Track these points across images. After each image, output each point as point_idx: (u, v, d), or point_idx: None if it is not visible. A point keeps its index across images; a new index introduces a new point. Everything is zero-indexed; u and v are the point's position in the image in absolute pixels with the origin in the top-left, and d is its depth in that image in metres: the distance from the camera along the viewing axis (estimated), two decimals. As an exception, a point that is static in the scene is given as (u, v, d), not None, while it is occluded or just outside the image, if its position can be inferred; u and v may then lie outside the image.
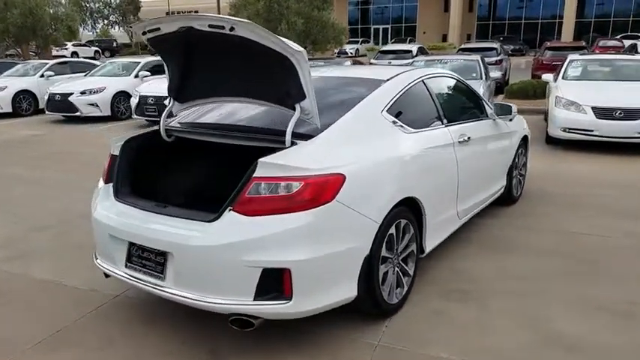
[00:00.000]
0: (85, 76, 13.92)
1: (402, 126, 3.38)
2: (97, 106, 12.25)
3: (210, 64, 3.11)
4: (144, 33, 3.05)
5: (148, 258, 2.82)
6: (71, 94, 12.25)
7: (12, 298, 3.63)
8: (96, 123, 12.08)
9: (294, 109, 2.92)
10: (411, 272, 3.37)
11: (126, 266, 2.92)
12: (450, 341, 2.98)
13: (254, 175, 2.60)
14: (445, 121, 3.89)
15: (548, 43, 18.68)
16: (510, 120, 4.91)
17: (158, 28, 2.95)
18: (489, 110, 4.72)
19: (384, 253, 3.01)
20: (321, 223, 2.58)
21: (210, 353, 2.91)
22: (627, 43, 25.15)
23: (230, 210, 2.60)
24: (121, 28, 54.77)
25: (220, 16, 2.71)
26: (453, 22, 39.03)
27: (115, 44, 50.12)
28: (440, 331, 3.08)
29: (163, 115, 3.46)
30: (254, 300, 2.55)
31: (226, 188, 3.70)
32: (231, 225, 2.56)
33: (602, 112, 7.69)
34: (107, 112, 12.30)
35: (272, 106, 3.07)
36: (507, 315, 3.26)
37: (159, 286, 2.77)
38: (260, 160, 2.63)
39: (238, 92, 3.17)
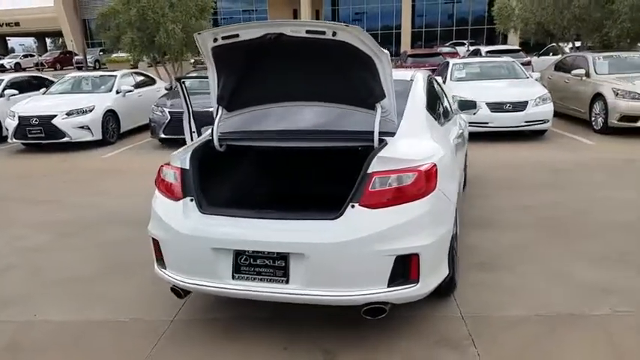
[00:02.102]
0: None
1: (435, 120, 3.75)
2: (-41, 131, 10.61)
3: (280, 69, 3.14)
4: (215, 40, 2.99)
5: (263, 265, 2.78)
6: None
7: (54, 347, 3.20)
8: (-42, 151, 10.44)
9: (372, 109, 3.11)
10: (457, 251, 3.75)
11: (233, 277, 2.84)
12: (514, 303, 3.41)
13: (374, 170, 2.75)
14: (447, 115, 4.36)
15: (409, 51, 20.68)
16: (474, 114, 5.57)
17: (236, 35, 2.92)
18: (454, 106, 5.32)
19: None
20: (434, 209, 2.83)
21: (324, 352, 2.96)
22: (459, 49, 28.71)
23: (353, 205, 2.71)
24: None
25: (318, 21, 2.80)
26: (303, 32, 40.58)
27: None
28: (499, 297, 3.50)
29: (216, 123, 3.39)
30: (387, 287, 2.70)
31: (300, 187, 3.84)
32: (362, 219, 2.68)
33: (495, 107, 8.92)
34: (-28, 138, 10.71)
35: (346, 108, 3.21)
36: (537, 276, 3.79)
37: (281, 290, 2.75)
38: (379, 155, 2.79)
39: (308, 96, 3.25)
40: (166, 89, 12.10)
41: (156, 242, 3.14)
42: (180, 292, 3.09)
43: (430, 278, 2.84)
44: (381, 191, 2.72)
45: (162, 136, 9.70)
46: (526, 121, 8.93)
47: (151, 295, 3.74)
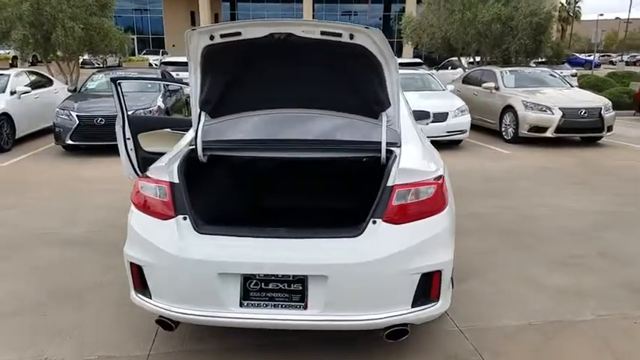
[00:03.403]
0: None
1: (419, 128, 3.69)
2: None
3: (278, 73, 2.89)
4: (211, 37, 2.67)
5: (277, 289, 2.50)
6: None
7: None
8: None
9: (376, 118, 2.97)
10: None
11: (241, 305, 2.52)
12: (503, 313, 3.44)
13: (395, 183, 2.59)
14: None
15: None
16: (426, 124, 5.62)
17: (237, 33, 2.64)
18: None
19: None
20: (450, 222, 2.74)
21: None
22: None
23: (375, 221, 2.53)
24: None
25: (334, 22, 2.60)
26: (202, 36, 39.46)
27: None
28: (486, 307, 3.52)
29: (199, 132, 3.03)
30: (412, 307, 2.55)
31: (293, 200, 3.58)
32: (386, 236, 2.51)
33: (418, 117, 9.17)
34: None
35: (349, 117, 3.03)
36: (511, 284, 3.88)
37: (298, 317, 2.49)
38: (400, 167, 2.64)
39: (306, 103, 3.02)
40: (70, 91, 11.01)
41: (136, 268, 2.72)
42: (170, 323, 2.70)
43: (447, 294, 2.74)
44: (403, 205, 2.57)
45: (70, 142, 8.79)
46: (447, 131, 9.33)
47: (115, 326, 3.28)
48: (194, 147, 3.03)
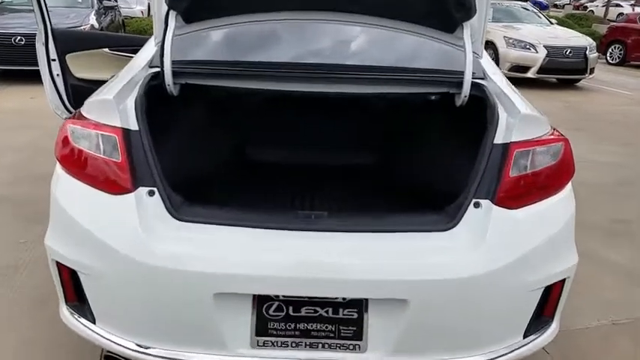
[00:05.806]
0: None
1: None
2: None
3: None
4: None
5: (315, 318, 1.49)
6: None
7: None
8: None
9: (452, 32, 1.91)
10: None
11: (257, 344, 1.48)
12: (575, 308, 2.54)
13: (512, 140, 1.57)
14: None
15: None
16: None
17: None
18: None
19: None
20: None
21: None
22: None
23: (478, 204, 1.53)
24: None
25: None
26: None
27: None
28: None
29: (167, 45, 1.81)
30: (524, 338, 1.62)
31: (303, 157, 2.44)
32: (500, 229, 1.51)
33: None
34: None
35: (407, 29, 1.93)
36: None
37: None
38: (523, 113, 1.61)
39: (335, 3, 1.87)
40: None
41: (67, 272, 1.60)
42: None
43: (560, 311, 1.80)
44: (525, 177, 1.57)
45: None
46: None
47: (45, 337, 2.19)
48: (159, 70, 1.83)
